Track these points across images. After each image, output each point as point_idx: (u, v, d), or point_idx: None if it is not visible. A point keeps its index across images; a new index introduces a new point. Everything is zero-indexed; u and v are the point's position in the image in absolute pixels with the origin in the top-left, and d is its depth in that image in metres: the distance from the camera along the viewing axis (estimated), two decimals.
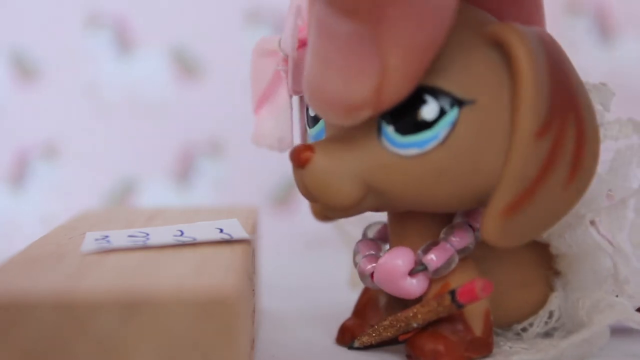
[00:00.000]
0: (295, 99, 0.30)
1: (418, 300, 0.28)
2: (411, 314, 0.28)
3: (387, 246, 0.30)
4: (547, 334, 0.30)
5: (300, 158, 0.26)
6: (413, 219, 0.28)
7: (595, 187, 0.29)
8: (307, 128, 0.29)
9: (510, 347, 0.29)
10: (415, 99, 0.25)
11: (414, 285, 0.28)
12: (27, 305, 0.22)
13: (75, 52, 0.60)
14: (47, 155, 0.60)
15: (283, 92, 0.29)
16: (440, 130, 0.25)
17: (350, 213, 0.27)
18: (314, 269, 0.46)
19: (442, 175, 0.25)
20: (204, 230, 0.29)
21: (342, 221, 0.35)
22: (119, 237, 0.28)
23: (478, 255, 0.28)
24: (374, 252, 0.29)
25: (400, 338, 0.28)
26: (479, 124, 0.25)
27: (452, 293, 0.27)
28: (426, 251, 0.27)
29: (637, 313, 0.28)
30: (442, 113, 0.25)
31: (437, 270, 0.27)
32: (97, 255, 0.27)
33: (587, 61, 0.59)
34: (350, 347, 0.30)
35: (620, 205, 0.29)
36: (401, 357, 0.29)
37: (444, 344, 0.27)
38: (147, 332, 0.22)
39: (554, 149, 0.25)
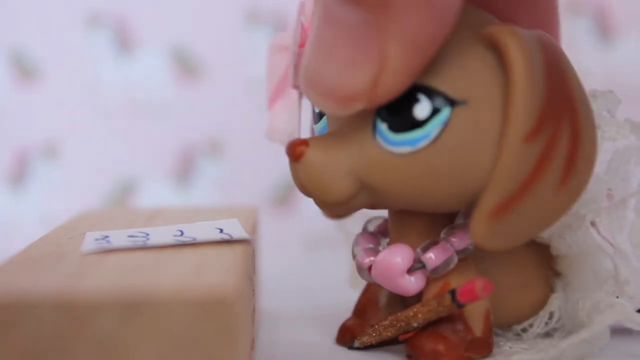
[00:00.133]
0: None
1: (418, 299, 0.28)
2: (411, 314, 0.28)
3: (387, 240, 0.30)
4: (547, 335, 0.30)
5: (294, 152, 0.26)
6: (414, 218, 0.28)
7: (595, 187, 0.29)
8: (313, 124, 0.29)
9: (510, 347, 0.29)
10: (409, 97, 0.25)
11: (412, 283, 0.28)
12: (27, 305, 0.22)
13: (75, 52, 0.60)
14: (47, 155, 0.60)
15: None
16: (432, 129, 0.25)
17: (344, 209, 0.27)
18: (314, 269, 0.46)
19: (432, 174, 0.25)
20: (204, 230, 0.29)
21: (344, 220, 0.35)
22: (119, 237, 0.28)
23: (478, 255, 0.28)
24: (373, 246, 0.29)
25: (401, 338, 0.28)
26: (470, 125, 0.25)
27: (452, 293, 0.27)
28: (425, 250, 0.27)
29: (637, 314, 0.28)
30: (434, 112, 0.25)
31: (435, 270, 0.27)
32: (97, 255, 0.27)
33: (587, 61, 0.59)
34: (350, 347, 0.30)
35: (620, 205, 0.29)
36: (401, 357, 0.29)
37: (444, 344, 0.27)
38: (147, 332, 0.22)
39: (546, 152, 0.25)
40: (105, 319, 0.22)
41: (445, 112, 0.25)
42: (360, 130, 0.26)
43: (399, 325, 0.28)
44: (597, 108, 0.29)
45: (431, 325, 0.28)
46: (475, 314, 0.28)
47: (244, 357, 0.25)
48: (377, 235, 0.30)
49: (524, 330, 0.30)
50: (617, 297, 0.29)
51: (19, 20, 0.60)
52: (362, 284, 0.31)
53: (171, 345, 0.22)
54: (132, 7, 0.60)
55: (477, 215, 0.25)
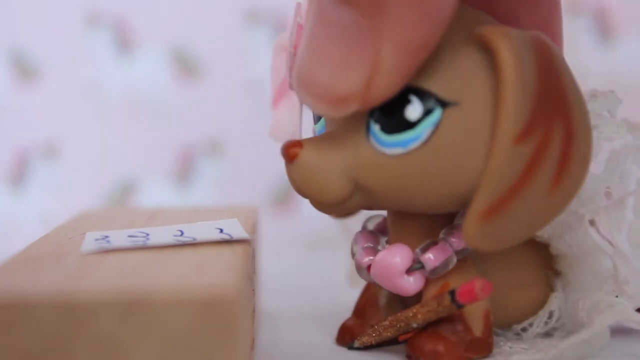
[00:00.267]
0: None
1: (418, 300, 0.28)
2: (411, 314, 0.28)
3: (386, 239, 0.30)
4: (547, 334, 0.30)
5: (288, 153, 0.26)
6: (413, 218, 0.28)
7: (593, 186, 0.29)
8: (313, 124, 0.29)
9: (510, 347, 0.29)
10: (401, 99, 0.25)
11: (411, 283, 0.28)
12: (27, 305, 0.22)
13: (75, 52, 0.60)
14: (47, 155, 0.60)
15: None
16: (423, 130, 0.25)
17: (339, 210, 0.27)
18: (314, 269, 0.46)
19: (424, 176, 0.26)
20: (204, 230, 0.29)
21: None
22: (119, 237, 0.28)
23: (477, 255, 0.28)
24: (372, 245, 0.29)
25: (400, 338, 0.28)
26: (461, 126, 0.25)
27: (452, 293, 0.27)
28: (424, 250, 0.27)
29: (637, 313, 0.28)
30: (426, 113, 0.25)
31: (434, 270, 0.27)
32: (97, 255, 0.27)
33: (587, 61, 0.59)
34: (350, 347, 0.30)
35: (618, 205, 0.29)
36: (401, 358, 0.29)
37: (444, 344, 0.27)
38: (147, 332, 0.22)
39: (537, 153, 0.25)
40: (105, 319, 0.22)
41: (437, 113, 0.25)
42: (354, 132, 0.26)
43: (398, 325, 0.28)
44: (598, 108, 0.29)
45: (431, 326, 0.28)
46: (475, 314, 0.28)
47: (244, 357, 0.25)
48: (377, 234, 0.30)
49: (524, 329, 0.30)
50: (617, 296, 0.29)
51: (19, 20, 0.60)
52: (361, 282, 0.31)
53: (171, 345, 0.22)
54: (132, 7, 0.60)
55: (468, 216, 0.25)
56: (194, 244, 0.28)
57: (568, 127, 0.25)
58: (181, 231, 0.29)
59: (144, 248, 0.27)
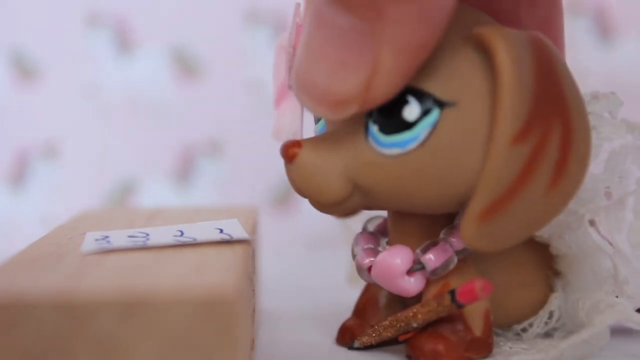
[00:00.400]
0: None
1: (418, 300, 0.28)
2: (411, 314, 0.28)
3: (387, 240, 0.30)
4: (547, 335, 0.30)
5: (287, 153, 0.26)
6: (413, 218, 0.28)
7: (593, 186, 0.29)
8: (314, 124, 0.29)
9: (510, 348, 0.29)
10: (399, 99, 0.25)
11: (412, 284, 0.28)
12: (27, 305, 0.22)
13: (75, 52, 0.60)
14: (47, 155, 0.60)
15: None
16: (421, 131, 0.25)
17: (339, 210, 0.27)
18: (314, 269, 0.46)
19: (421, 176, 0.26)
20: (204, 231, 0.29)
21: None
22: (119, 237, 0.28)
23: (478, 255, 0.28)
24: (372, 246, 0.29)
25: (400, 338, 0.28)
26: (459, 126, 0.25)
27: (452, 293, 0.27)
28: (425, 251, 0.27)
29: (637, 314, 0.28)
30: (423, 114, 0.25)
31: (434, 271, 0.27)
32: (97, 255, 0.27)
33: (587, 61, 0.59)
34: (350, 348, 0.30)
35: (618, 205, 0.29)
36: (401, 357, 0.29)
37: (444, 344, 0.27)
38: (147, 332, 0.22)
39: (534, 154, 0.25)
40: (105, 319, 0.22)
41: (434, 114, 0.25)
42: (353, 132, 0.26)
43: (398, 325, 0.28)
44: (599, 109, 0.29)
45: (431, 326, 0.28)
46: (475, 313, 0.28)
47: (244, 357, 0.25)
48: (377, 235, 0.30)
49: (524, 330, 0.30)
50: (617, 296, 0.29)
51: (19, 20, 0.60)
52: (361, 282, 0.31)
53: (171, 345, 0.22)
54: (132, 7, 0.60)
55: (466, 217, 0.25)
56: (194, 244, 0.28)
57: (566, 127, 0.25)
58: (181, 231, 0.29)
59: (144, 248, 0.27)
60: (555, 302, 0.30)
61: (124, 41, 0.60)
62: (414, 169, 0.25)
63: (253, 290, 0.30)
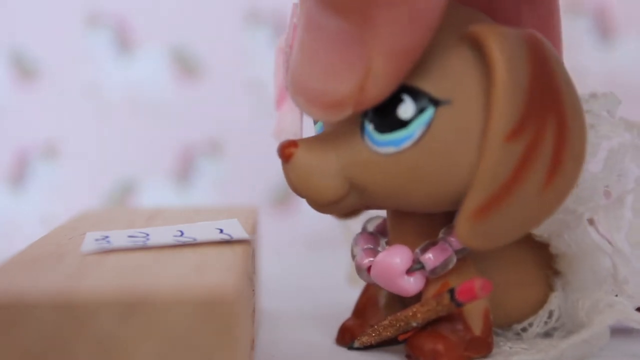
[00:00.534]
0: None
1: (417, 299, 0.28)
2: (410, 314, 0.28)
3: (386, 240, 0.30)
4: (547, 334, 0.30)
5: (284, 153, 0.26)
6: (412, 218, 0.28)
7: (592, 185, 0.29)
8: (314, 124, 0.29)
9: (510, 348, 0.29)
10: (393, 98, 0.25)
11: (411, 284, 0.28)
12: (27, 305, 0.22)
13: (75, 52, 0.60)
14: (47, 155, 0.60)
15: None
16: (416, 129, 0.25)
17: (336, 210, 0.27)
18: (314, 269, 0.46)
19: (416, 174, 0.26)
20: (204, 231, 0.29)
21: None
22: (119, 237, 0.28)
23: (477, 254, 0.28)
24: (372, 246, 0.29)
25: (400, 338, 0.28)
26: (454, 124, 0.25)
27: (451, 292, 0.27)
28: (424, 250, 0.27)
29: (636, 312, 0.28)
30: (418, 112, 0.25)
31: (434, 270, 0.27)
32: (97, 255, 0.27)
33: (587, 61, 0.59)
34: (350, 348, 0.30)
35: (617, 204, 0.29)
36: (401, 357, 0.29)
37: (443, 343, 0.27)
38: (147, 332, 0.22)
39: (529, 151, 0.25)
40: (105, 319, 0.22)
41: (429, 112, 0.25)
42: (349, 132, 0.26)
43: (398, 325, 0.28)
44: (597, 108, 0.29)
45: (430, 325, 0.28)
46: (475, 313, 0.28)
47: (244, 357, 0.25)
48: (376, 235, 0.30)
49: (524, 329, 0.30)
50: (616, 295, 0.29)
51: (19, 20, 0.60)
52: (360, 282, 0.31)
53: (171, 345, 0.22)
54: (132, 7, 0.60)
55: (461, 215, 0.25)
56: (194, 244, 0.28)
57: (561, 125, 0.25)
58: (181, 231, 0.29)
59: (144, 248, 0.27)
60: (555, 301, 0.30)
61: (124, 41, 0.60)
62: (409, 167, 0.25)
63: (253, 290, 0.30)
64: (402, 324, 0.28)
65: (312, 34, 0.24)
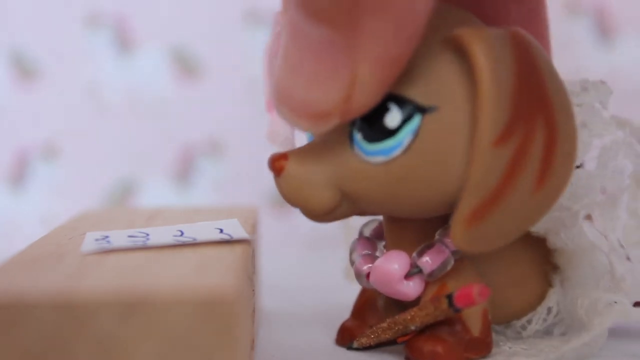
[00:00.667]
0: None
1: (416, 302, 0.28)
2: (409, 317, 0.28)
3: (383, 243, 0.30)
4: (547, 332, 0.30)
5: (275, 166, 0.26)
6: (407, 222, 0.28)
7: (587, 182, 0.28)
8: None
9: (510, 348, 0.29)
10: (380, 107, 0.25)
11: (410, 288, 0.28)
12: (27, 305, 0.22)
13: (75, 52, 0.60)
14: (47, 155, 0.60)
15: None
16: (404, 137, 0.25)
17: (329, 219, 0.27)
18: (314, 269, 0.46)
19: (408, 182, 0.25)
20: (204, 231, 0.29)
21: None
22: (119, 237, 0.28)
23: (474, 254, 0.28)
24: (370, 252, 0.29)
25: (399, 340, 0.28)
26: (442, 131, 0.25)
27: (450, 297, 0.27)
28: (421, 254, 0.27)
29: (635, 310, 0.28)
30: (405, 120, 0.25)
31: (432, 273, 0.27)
32: (97, 255, 0.27)
33: (587, 61, 0.59)
34: (349, 348, 0.30)
35: (612, 202, 0.29)
36: (400, 358, 0.29)
37: (443, 345, 0.27)
38: (147, 332, 0.22)
39: (518, 154, 0.24)
40: (105, 319, 0.22)
41: (416, 119, 0.25)
42: (339, 141, 0.26)
43: (396, 328, 0.28)
44: (589, 100, 0.29)
45: (429, 328, 0.28)
46: (473, 314, 0.28)
47: (244, 357, 0.25)
48: (374, 240, 0.30)
49: (523, 327, 0.30)
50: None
51: (19, 20, 0.60)
52: None
53: (171, 345, 0.22)
54: (132, 7, 0.60)
55: (455, 221, 0.25)
56: (194, 244, 0.28)
57: (550, 125, 0.25)
58: (181, 231, 0.29)
59: (144, 248, 0.27)
60: (553, 297, 0.30)
61: (124, 41, 0.60)
62: (399, 175, 0.25)
63: (253, 290, 0.30)
64: (401, 327, 0.28)
65: (296, 43, 0.24)
